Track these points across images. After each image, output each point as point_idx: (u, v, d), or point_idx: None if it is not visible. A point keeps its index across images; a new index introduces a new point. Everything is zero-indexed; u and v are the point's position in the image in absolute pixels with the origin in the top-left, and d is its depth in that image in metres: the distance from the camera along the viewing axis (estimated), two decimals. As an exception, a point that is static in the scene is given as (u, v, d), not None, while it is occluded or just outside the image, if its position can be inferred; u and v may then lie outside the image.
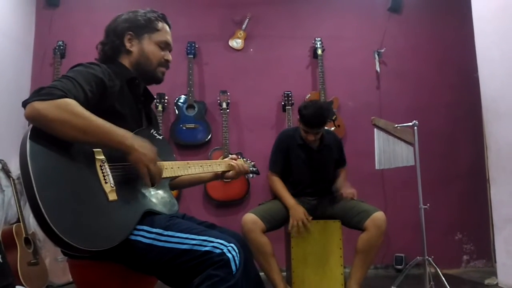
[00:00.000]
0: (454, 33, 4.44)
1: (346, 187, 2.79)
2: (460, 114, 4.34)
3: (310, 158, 2.86)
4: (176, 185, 1.84)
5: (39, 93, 1.22)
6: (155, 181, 1.40)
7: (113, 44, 1.60)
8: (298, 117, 2.76)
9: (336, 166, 2.98)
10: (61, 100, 1.22)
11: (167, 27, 1.68)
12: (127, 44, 1.60)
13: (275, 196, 2.95)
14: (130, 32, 1.60)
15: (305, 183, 2.88)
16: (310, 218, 2.68)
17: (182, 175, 1.64)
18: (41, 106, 1.19)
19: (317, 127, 2.71)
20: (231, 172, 1.85)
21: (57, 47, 4.03)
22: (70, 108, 1.22)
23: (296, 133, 2.90)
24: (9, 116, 3.63)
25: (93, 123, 1.26)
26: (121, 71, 1.56)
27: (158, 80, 1.67)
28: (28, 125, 1.23)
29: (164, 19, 1.68)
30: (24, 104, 1.22)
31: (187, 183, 1.90)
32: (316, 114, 2.67)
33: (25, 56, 4.12)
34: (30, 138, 1.18)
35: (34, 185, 1.11)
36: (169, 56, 1.67)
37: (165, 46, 1.65)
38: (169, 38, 1.67)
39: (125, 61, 1.61)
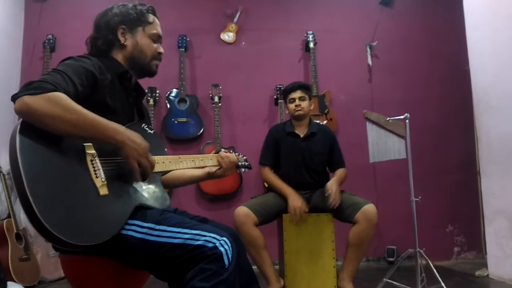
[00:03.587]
0: (445, 26, 4.45)
1: (332, 190, 2.65)
2: (451, 107, 4.36)
3: (298, 145, 2.89)
4: (168, 184, 1.80)
5: (29, 87, 1.21)
6: (147, 175, 1.39)
7: (106, 38, 1.58)
8: (285, 102, 3.00)
9: (331, 164, 2.97)
10: (51, 94, 1.21)
11: (157, 20, 1.68)
12: (121, 38, 1.59)
13: (268, 190, 2.95)
14: (123, 26, 1.59)
15: (295, 174, 2.88)
16: (307, 209, 2.70)
17: (173, 170, 1.64)
18: (31, 100, 1.18)
19: (296, 89, 2.92)
20: (218, 170, 1.79)
21: (46, 41, 4.00)
22: (61, 102, 1.21)
23: (285, 125, 2.97)
24: (-2, 111, 3.59)
25: (84, 117, 1.25)
26: (112, 65, 1.55)
27: (152, 73, 1.67)
28: (18, 119, 1.22)
29: (153, 11, 1.67)
30: (14, 98, 1.21)
31: (179, 183, 1.84)
32: (293, 83, 2.98)
33: (14, 49, 4.07)
34: (19, 133, 1.16)
35: (24, 180, 1.10)
36: (161, 49, 1.67)
37: (157, 38, 1.66)
38: (160, 30, 1.68)
39: (118, 56, 1.60)
